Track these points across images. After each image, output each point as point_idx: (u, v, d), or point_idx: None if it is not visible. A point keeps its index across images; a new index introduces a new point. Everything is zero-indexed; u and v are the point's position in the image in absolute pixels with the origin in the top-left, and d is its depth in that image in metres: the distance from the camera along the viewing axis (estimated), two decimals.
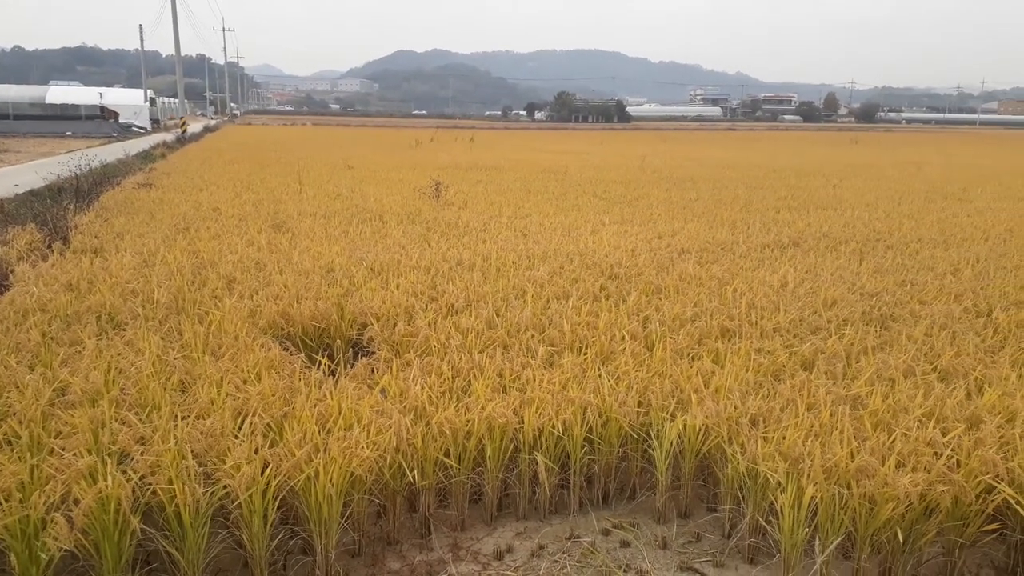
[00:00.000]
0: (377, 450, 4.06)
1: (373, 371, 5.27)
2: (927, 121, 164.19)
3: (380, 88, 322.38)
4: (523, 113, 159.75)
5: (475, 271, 8.24)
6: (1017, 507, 3.85)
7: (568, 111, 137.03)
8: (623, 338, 5.98)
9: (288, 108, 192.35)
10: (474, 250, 9.52)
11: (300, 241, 9.90)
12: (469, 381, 4.98)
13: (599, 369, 5.25)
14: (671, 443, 4.49)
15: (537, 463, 4.45)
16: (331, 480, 3.85)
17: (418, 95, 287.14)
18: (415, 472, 4.18)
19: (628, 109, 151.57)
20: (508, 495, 4.68)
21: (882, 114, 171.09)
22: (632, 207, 14.84)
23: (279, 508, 4.02)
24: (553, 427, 4.49)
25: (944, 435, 4.29)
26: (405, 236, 10.57)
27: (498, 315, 6.52)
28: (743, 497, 4.21)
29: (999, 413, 4.66)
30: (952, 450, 4.14)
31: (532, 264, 8.82)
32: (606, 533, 4.41)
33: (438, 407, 4.49)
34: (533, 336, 6.01)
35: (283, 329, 6.27)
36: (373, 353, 5.74)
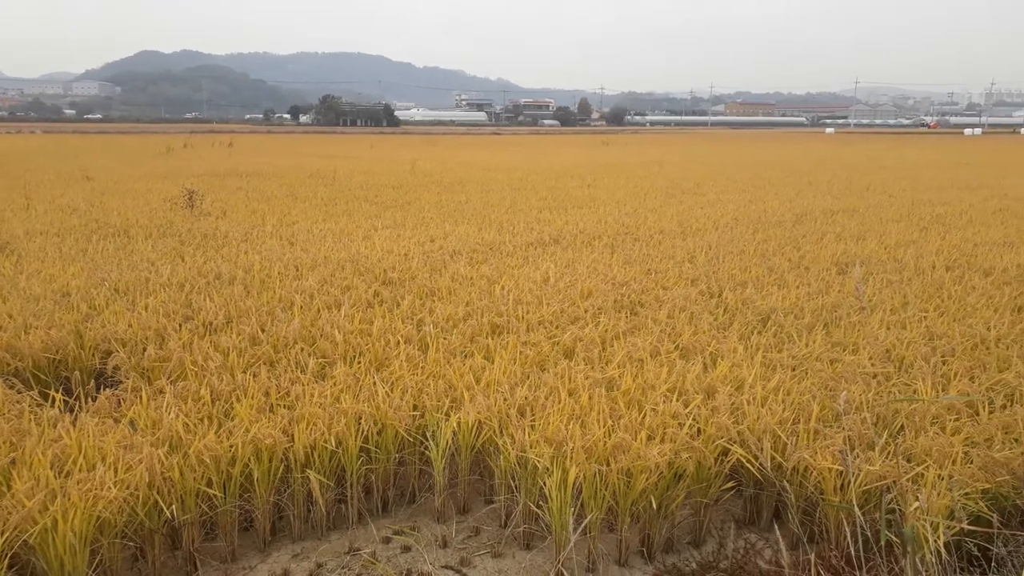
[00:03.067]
0: (127, 488, 3.70)
1: (120, 403, 4.79)
2: (667, 123, 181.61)
3: (123, 92, 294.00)
4: (287, 116, 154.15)
5: (236, 285, 7.80)
6: (748, 465, 4.37)
7: (335, 115, 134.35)
8: (398, 343, 5.97)
9: (11, 115, 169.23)
10: (235, 262, 9.01)
11: (28, 264, 8.76)
12: (231, 404, 4.70)
13: (373, 377, 5.18)
14: (447, 442, 4.56)
15: (311, 481, 4.30)
16: (72, 528, 3.45)
17: (168, 99, 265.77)
18: (174, 507, 3.87)
19: (397, 113, 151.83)
20: (283, 517, 4.49)
21: (630, 117, 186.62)
22: (404, 211, 14.88)
23: (11, 567, 3.54)
24: (326, 442, 4.36)
25: (686, 407, 4.75)
26: (155, 251, 9.75)
27: (263, 330, 6.22)
28: (516, 486, 4.38)
29: (730, 382, 5.25)
30: (693, 419, 4.60)
31: (300, 274, 8.53)
32: (387, 541, 4.37)
33: (196, 435, 4.19)
34: (303, 349, 5.82)
35: (8, 364, 5.51)
36: (120, 383, 5.23)
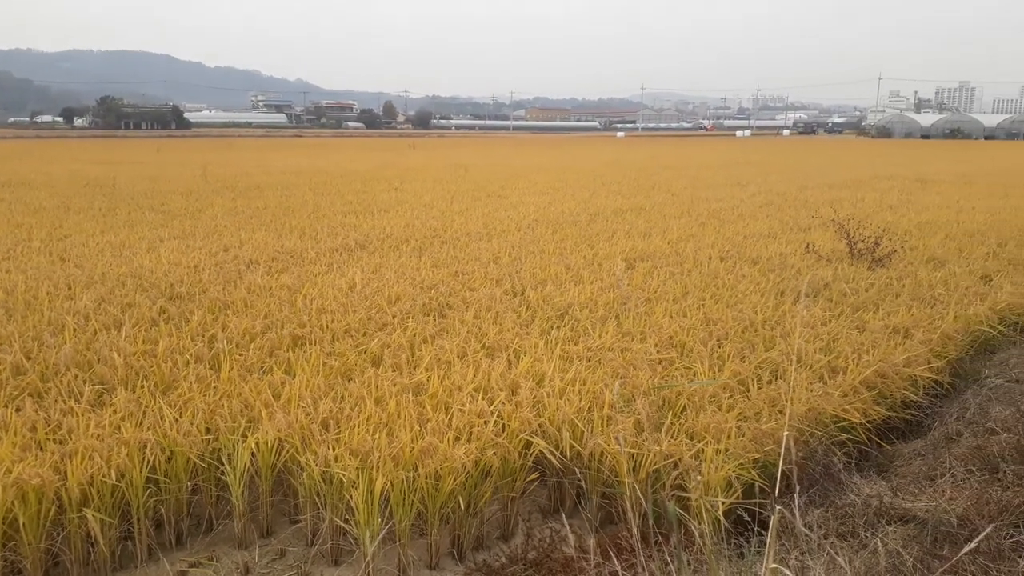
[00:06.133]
0: None
1: None
2: (472, 127, 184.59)
3: None
4: (60, 120, 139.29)
5: None
6: (550, 456, 4.54)
7: (116, 117, 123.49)
8: (187, 363, 5.60)
9: None
10: None
11: None
12: None
13: (159, 401, 4.82)
14: (245, 464, 4.33)
15: (89, 520, 3.91)
16: None
17: None
18: None
19: (187, 115, 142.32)
20: (58, 563, 4.05)
21: (435, 121, 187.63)
22: (195, 219, 13.97)
23: None
24: (105, 476, 3.99)
25: (491, 404, 4.86)
26: None
27: (29, 358, 5.58)
28: (322, 502, 4.25)
29: (532, 377, 5.43)
30: (498, 416, 4.72)
31: (74, 293, 7.74)
32: (182, 575, 4.08)
33: None
34: (77, 376, 5.29)
35: None
36: None
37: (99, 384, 5.18)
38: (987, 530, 2.49)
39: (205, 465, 4.42)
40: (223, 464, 4.39)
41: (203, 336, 6.27)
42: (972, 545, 2.16)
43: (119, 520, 4.12)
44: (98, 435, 4.28)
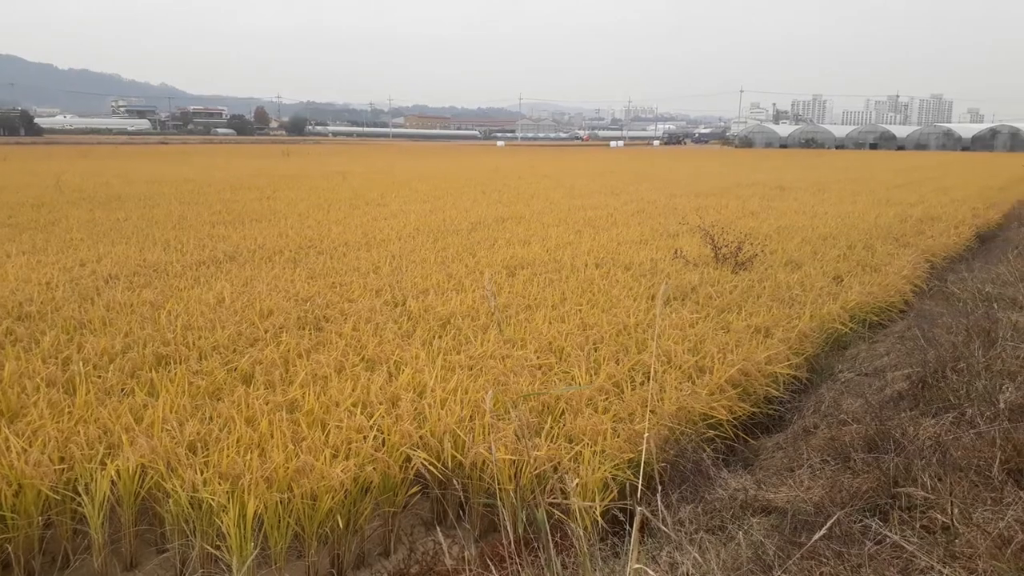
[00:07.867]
0: None
1: None
2: (350, 134, 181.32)
3: None
4: None
5: None
6: (430, 468, 4.50)
7: None
8: (37, 387, 5.19)
9: None
10: None
11: None
12: None
13: (4, 431, 4.44)
14: (104, 494, 4.05)
15: None
16: None
17: None
18: None
19: (38, 121, 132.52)
20: None
21: (311, 127, 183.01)
22: (47, 233, 12.99)
23: None
24: None
25: (370, 419, 4.77)
26: None
27: None
28: (191, 530, 4.03)
29: (413, 388, 5.38)
30: (378, 430, 4.64)
31: None
32: None
33: None
34: None
35: None
36: None
37: None
38: (837, 515, 2.68)
39: (59, 497, 4.10)
40: (80, 495, 4.09)
41: (56, 358, 5.83)
42: (823, 531, 2.32)
43: None
44: None
